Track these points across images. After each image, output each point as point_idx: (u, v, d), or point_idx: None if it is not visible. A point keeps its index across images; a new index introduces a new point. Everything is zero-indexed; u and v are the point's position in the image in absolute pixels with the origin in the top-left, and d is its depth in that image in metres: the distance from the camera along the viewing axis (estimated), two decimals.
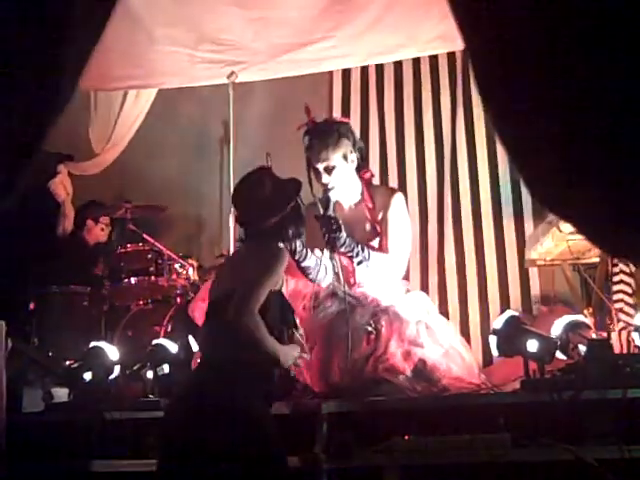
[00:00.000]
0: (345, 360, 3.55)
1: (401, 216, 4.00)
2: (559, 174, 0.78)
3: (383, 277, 3.92)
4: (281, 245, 3.03)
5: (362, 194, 3.98)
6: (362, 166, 4.02)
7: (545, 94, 0.75)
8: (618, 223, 0.78)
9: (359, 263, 3.83)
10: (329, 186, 3.83)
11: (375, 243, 3.93)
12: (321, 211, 3.76)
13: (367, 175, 4.03)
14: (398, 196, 4.04)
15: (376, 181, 6.01)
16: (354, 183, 3.98)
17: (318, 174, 3.86)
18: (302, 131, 3.90)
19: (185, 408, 2.81)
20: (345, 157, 3.86)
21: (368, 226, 3.94)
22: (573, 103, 0.73)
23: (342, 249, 3.77)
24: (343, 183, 3.89)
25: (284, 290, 3.05)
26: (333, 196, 3.83)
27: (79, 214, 6.18)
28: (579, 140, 0.75)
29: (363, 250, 3.82)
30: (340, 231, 3.71)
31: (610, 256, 3.93)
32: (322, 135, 3.82)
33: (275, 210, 3.01)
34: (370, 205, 3.95)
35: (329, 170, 3.83)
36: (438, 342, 3.74)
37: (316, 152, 3.82)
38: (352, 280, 3.90)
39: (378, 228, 3.92)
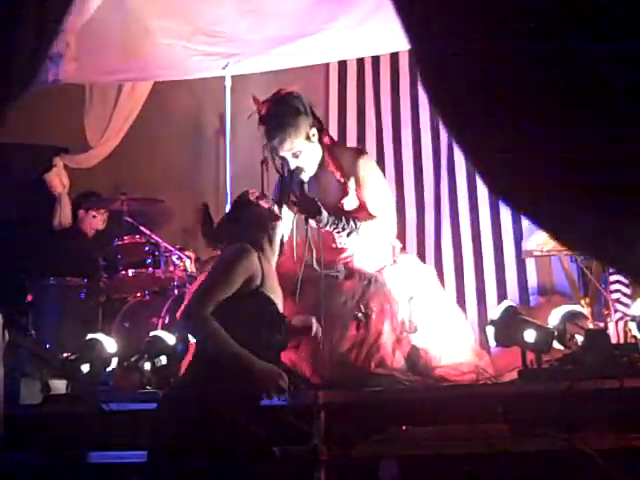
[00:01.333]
0: (333, 352, 3.53)
1: (374, 174, 3.93)
2: (538, 182, 0.78)
3: (375, 241, 3.87)
4: (241, 245, 2.94)
5: (324, 160, 3.87)
6: (322, 133, 3.91)
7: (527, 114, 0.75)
8: (598, 231, 0.78)
9: (349, 235, 3.77)
10: (298, 167, 3.77)
11: (349, 204, 3.84)
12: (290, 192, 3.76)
13: (327, 140, 3.92)
14: (365, 156, 3.97)
15: None
16: (317, 155, 3.88)
17: (285, 161, 3.79)
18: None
19: (176, 402, 2.81)
20: (308, 137, 3.78)
21: (337, 189, 3.84)
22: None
23: (328, 228, 3.73)
24: (311, 161, 3.82)
25: (271, 286, 2.97)
26: (305, 177, 3.78)
27: (74, 205, 6.17)
28: (556, 150, 0.75)
29: (349, 222, 3.75)
30: (320, 213, 3.67)
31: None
32: (281, 124, 3.70)
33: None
34: (335, 169, 3.84)
35: (296, 155, 3.76)
36: (431, 324, 3.73)
37: (279, 142, 3.72)
38: (334, 245, 3.83)
39: (348, 188, 3.82)
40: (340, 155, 3.92)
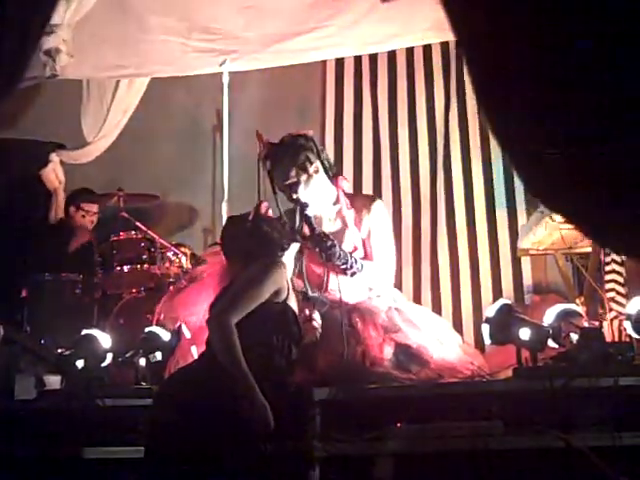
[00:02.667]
0: (329, 353, 3.56)
1: (385, 222, 3.98)
2: (553, 168, 0.78)
3: (374, 285, 3.88)
4: (273, 259, 3.03)
5: (338, 201, 3.92)
6: (335, 174, 3.98)
7: (538, 85, 0.75)
8: (611, 216, 0.79)
9: (353, 274, 3.78)
10: (302, 202, 3.78)
11: (360, 250, 3.87)
12: (301, 227, 3.74)
13: (341, 183, 3.96)
14: (378, 202, 4.01)
15: (368, 172, 6.06)
16: (328, 193, 3.92)
17: (287, 194, 3.83)
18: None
19: (174, 399, 2.81)
20: (306, 169, 3.82)
21: (351, 233, 3.87)
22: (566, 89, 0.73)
23: (337, 262, 3.72)
24: (315, 196, 3.85)
25: (294, 304, 3.03)
26: (310, 212, 3.77)
27: (65, 202, 6.15)
28: (573, 134, 0.75)
29: (356, 262, 3.77)
30: (335, 246, 3.69)
31: (602, 248, 3.94)
32: (280, 155, 3.80)
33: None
34: (350, 211, 3.87)
35: (294, 186, 3.79)
36: (413, 324, 3.76)
37: (278, 173, 3.80)
38: (325, 286, 3.81)
39: (362, 235, 3.86)
40: (353, 199, 3.96)
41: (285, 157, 3.81)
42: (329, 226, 3.90)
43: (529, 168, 0.82)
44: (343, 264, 3.73)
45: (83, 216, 5.97)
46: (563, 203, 0.83)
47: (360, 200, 4.00)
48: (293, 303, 3.03)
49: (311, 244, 3.72)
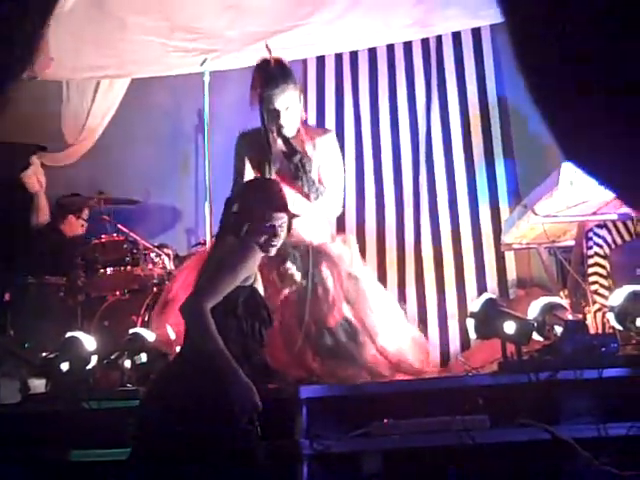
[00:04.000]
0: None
1: (337, 154, 4.13)
2: (589, 127, 0.78)
3: (326, 214, 4.06)
4: (249, 243, 2.93)
5: (298, 130, 4.02)
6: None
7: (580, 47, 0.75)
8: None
9: (316, 198, 3.91)
10: (284, 125, 3.90)
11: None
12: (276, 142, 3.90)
13: (303, 114, 4.10)
14: (332, 134, 4.17)
15: (351, 169, 6.06)
16: (298, 119, 4.05)
17: (277, 115, 3.89)
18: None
19: (160, 398, 2.80)
20: (300, 98, 4.00)
21: (300, 158, 3.96)
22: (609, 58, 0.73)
23: (305, 182, 3.87)
24: (294, 122, 3.97)
25: (260, 287, 2.99)
26: (287, 134, 3.92)
27: (60, 207, 6.10)
28: (609, 92, 0.75)
29: (318, 186, 3.92)
30: (308, 161, 3.87)
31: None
32: (283, 77, 3.91)
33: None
34: (307, 139, 4.01)
35: (287, 110, 3.90)
36: (366, 300, 3.85)
37: (279, 93, 3.88)
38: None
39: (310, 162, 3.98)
40: (309, 129, 4.12)
41: (290, 82, 3.92)
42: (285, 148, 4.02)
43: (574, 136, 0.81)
44: (309, 187, 3.86)
45: (82, 225, 5.96)
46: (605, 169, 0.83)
47: (315, 131, 4.16)
48: (259, 285, 2.95)
49: (286, 159, 3.87)
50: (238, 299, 2.84)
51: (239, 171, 4.05)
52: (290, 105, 3.90)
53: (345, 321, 3.76)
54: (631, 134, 0.75)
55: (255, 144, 4.00)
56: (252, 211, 2.96)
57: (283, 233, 2.99)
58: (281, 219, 2.98)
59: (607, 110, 0.75)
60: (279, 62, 3.94)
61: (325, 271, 3.82)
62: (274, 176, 3.85)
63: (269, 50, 3.95)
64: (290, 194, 3.77)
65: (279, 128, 3.90)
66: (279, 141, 3.92)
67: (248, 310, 2.86)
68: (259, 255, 2.92)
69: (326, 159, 4.02)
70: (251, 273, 2.88)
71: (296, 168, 3.86)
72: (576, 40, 0.74)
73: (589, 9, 0.73)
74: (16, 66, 0.82)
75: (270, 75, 3.90)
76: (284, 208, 3.00)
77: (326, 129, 4.27)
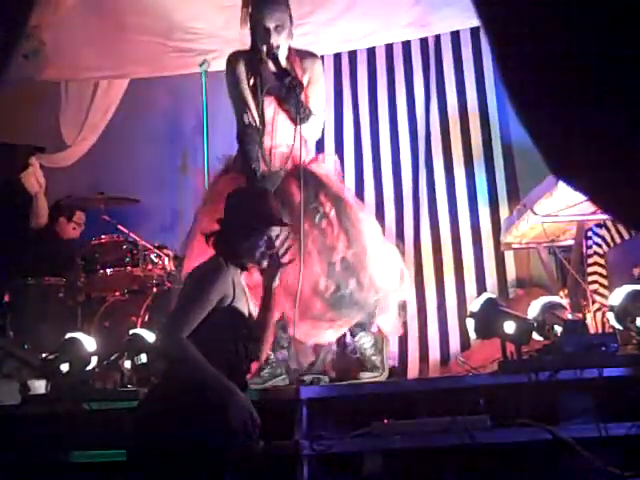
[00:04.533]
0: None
1: (321, 78, 4.14)
2: (571, 138, 0.78)
3: (310, 136, 4.05)
4: (214, 263, 2.85)
5: (288, 51, 4.00)
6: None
7: (559, 56, 0.74)
8: (627, 189, 0.78)
9: (303, 119, 3.87)
10: (276, 45, 3.86)
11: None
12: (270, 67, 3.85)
13: (292, 36, 4.07)
14: (318, 59, 4.17)
15: (350, 169, 6.06)
16: (288, 42, 4.02)
17: (268, 34, 3.86)
18: None
19: (156, 406, 2.77)
20: (291, 18, 3.95)
21: (290, 80, 3.92)
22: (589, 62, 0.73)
23: (294, 109, 3.84)
24: (285, 43, 3.94)
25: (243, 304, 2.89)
26: (277, 54, 3.87)
27: (55, 209, 6.11)
28: (591, 103, 0.74)
29: (306, 110, 3.89)
30: (301, 92, 3.82)
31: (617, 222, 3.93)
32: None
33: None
34: (295, 62, 4.00)
35: (279, 29, 3.87)
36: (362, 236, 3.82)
37: (270, 11, 3.86)
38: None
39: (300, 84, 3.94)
40: (299, 52, 4.07)
41: (282, 1, 3.93)
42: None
43: (556, 147, 0.81)
44: (298, 107, 3.82)
45: (74, 228, 5.96)
46: (578, 172, 0.83)
47: (303, 54, 4.10)
48: (242, 303, 2.86)
49: (276, 80, 3.82)
50: (223, 322, 2.77)
51: (240, 97, 3.95)
52: (280, 24, 3.86)
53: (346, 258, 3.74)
54: (614, 148, 0.75)
55: (246, 64, 3.95)
56: (247, 228, 2.88)
57: (277, 242, 2.96)
58: (277, 231, 2.96)
59: (591, 125, 0.75)
60: None
61: (324, 200, 3.80)
62: (264, 96, 3.85)
63: None
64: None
65: (269, 48, 3.84)
66: (269, 62, 3.86)
67: (228, 331, 2.79)
68: (231, 274, 2.83)
69: (312, 83, 3.98)
70: (224, 294, 2.78)
71: (287, 89, 3.81)
72: (557, 54, 0.74)
73: (569, 27, 0.73)
74: None
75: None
76: (280, 222, 2.98)
77: (313, 53, 4.21)
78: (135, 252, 5.35)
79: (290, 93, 3.81)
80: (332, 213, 3.78)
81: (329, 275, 3.69)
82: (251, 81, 3.91)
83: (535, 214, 4.11)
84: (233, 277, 2.85)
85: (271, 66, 3.86)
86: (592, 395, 3.17)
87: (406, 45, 6.12)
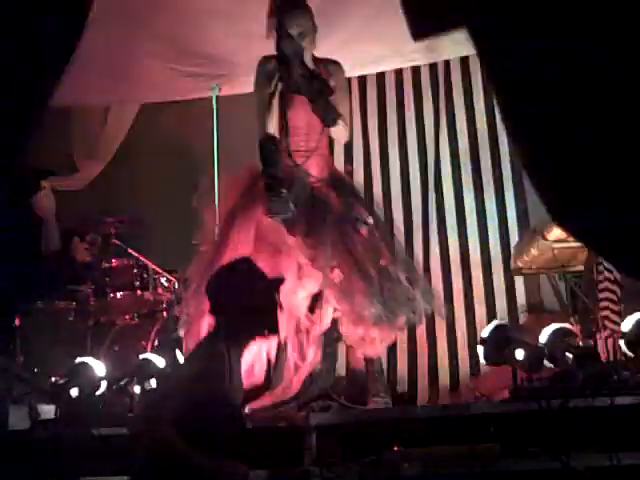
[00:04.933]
0: None
1: (346, 83, 4.37)
2: (571, 189, 0.78)
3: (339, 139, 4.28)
4: (213, 353, 2.71)
5: (313, 56, 4.14)
6: None
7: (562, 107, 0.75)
8: (625, 238, 0.79)
9: (332, 123, 3.99)
10: (300, 48, 3.97)
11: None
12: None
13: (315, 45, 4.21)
14: (341, 65, 4.28)
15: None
16: (311, 50, 4.16)
17: (292, 39, 3.98)
18: None
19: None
20: (314, 26, 4.09)
21: (319, 83, 4.04)
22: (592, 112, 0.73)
23: (323, 111, 3.95)
24: (310, 48, 4.08)
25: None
26: (303, 58, 3.98)
27: (67, 231, 6.13)
28: (588, 152, 0.75)
29: (335, 112, 4.00)
30: (330, 95, 3.95)
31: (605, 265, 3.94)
32: (298, 4, 4.07)
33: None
34: (320, 66, 4.12)
35: (302, 36, 4.00)
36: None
37: (293, 18, 4.00)
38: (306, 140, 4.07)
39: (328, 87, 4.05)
40: (322, 60, 4.19)
41: (305, 9, 4.08)
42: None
43: (552, 190, 0.82)
44: (328, 110, 3.95)
45: (86, 248, 5.97)
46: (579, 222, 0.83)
47: (326, 60, 4.23)
48: (236, 390, 2.75)
49: (306, 83, 3.93)
50: (208, 412, 2.62)
51: (263, 101, 4.06)
52: (304, 31, 4.00)
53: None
54: (610, 193, 0.76)
55: (274, 69, 4.05)
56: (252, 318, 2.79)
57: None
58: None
59: (588, 171, 0.76)
60: None
61: (361, 210, 3.99)
62: (293, 99, 3.97)
63: None
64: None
65: (295, 52, 3.95)
66: (297, 66, 3.95)
67: (218, 423, 2.65)
68: (224, 365, 2.69)
69: (337, 89, 4.07)
70: (215, 385, 2.66)
71: (316, 92, 3.93)
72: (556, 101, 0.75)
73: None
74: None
75: (283, 1, 4.03)
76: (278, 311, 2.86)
77: (336, 61, 4.31)
78: (145, 276, 5.36)
79: (319, 95, 3.92)
80: (370, 221, 3.94)
81: (379, 280, 3.80)
82: (279, 86, 4.00)
83: (545, 239, 4.10)
84: (231, 362, 2.72)
85: (299, 70, 3.94)
86: (604, 423, 3.14)
87: (416, 70, 6.14)
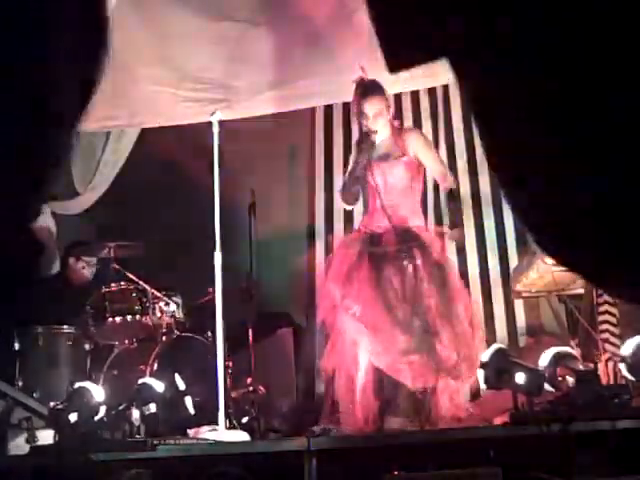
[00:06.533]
0: None
1: (428, 142, 4.85)
2: (558, 220, 0.79)
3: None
4: None
5: (390, 132, 4.56)
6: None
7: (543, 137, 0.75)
8: (617, 264, 0.78)
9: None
10: (373, 130, 4.44)
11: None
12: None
13: (394, 122, 4.68)
14: (417, 130, 5.01)
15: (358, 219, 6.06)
16: (387, 128, 4.59)
17: (367, 120, 4.46)
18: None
19: None
20: (388, 107, 4.59)
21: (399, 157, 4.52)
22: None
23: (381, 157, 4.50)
24: (383, 129, 4.51)
25: None
26: (377, 140, 4.45)
27: (65, 254, 6.12)
28: (574, 183, 0.75)
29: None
30: (374, 136, 4.46)
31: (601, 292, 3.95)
32: (375, 87, 4.48)
33: None
34: (398, 138, 4.55)
35: (376, 116, 4.44)
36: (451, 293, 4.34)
37: (368, 99, 4.46)
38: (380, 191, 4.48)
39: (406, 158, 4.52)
40: (399, 131, 4.64)
41: (380, 92, 4.50)
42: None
43: (535, 217, 0.82)
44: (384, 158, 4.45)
45: (83, 267, 5.96)
46: (574, 257, 0.83)
47: (404, 131, 4.71)
48: None
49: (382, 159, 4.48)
50: None
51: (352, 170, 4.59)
52: (377, 112, 4.45)
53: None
54: (600, 227, 0.76)
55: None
56: None
57: None
58: None
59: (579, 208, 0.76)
60: (370, 80, 4.47)
61: (416, 252, 4.28)
62: (374, 167, 4.44)
63: (363, 70, 4.48)
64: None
65: (370, 132, 4.44)
66: (374, 142, 4.45)
67: None
68: None
69: (420, 148, 4.53)
70: None
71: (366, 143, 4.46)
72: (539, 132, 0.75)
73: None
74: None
75: (362, 89, 4.48)
76: None
77: (411, 128, 5.10)
78: (144, 300, 5.35)
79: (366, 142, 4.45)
80: (418, 261, 4.23)
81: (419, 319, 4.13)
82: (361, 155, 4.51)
83: (545, 262, 4.10)
84: None
85: (375, 146, 4.46)
86: (605, 447, 3.13)
87: (414, 95, 6.18)
